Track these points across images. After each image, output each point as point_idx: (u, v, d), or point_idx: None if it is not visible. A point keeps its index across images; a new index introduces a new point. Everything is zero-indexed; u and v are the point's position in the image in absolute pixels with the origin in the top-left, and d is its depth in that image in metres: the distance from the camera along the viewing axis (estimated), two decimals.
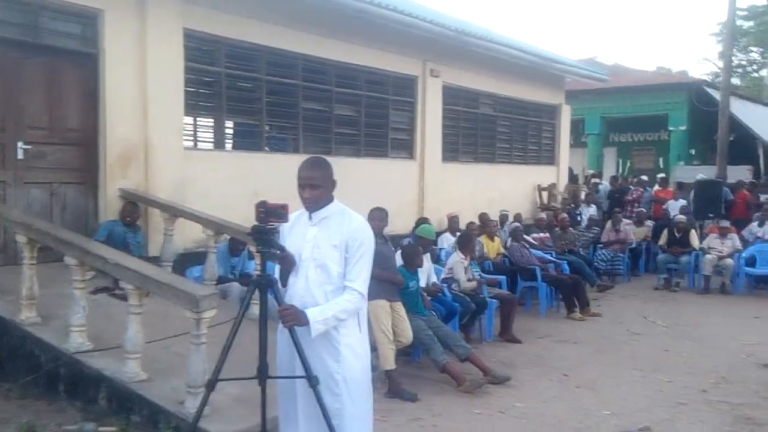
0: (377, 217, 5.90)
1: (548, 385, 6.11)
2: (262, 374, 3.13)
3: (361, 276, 3.18)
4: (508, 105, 13.08)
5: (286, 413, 3.25)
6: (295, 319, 3.02)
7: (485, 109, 12.55)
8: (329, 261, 3.16)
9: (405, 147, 10.81)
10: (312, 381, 3.00)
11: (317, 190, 3.19)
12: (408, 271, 6.32)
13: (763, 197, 14.21)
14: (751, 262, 11.32)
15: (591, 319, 9.03)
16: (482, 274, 8.09)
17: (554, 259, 10.08)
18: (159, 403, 4.27)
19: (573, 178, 15.95)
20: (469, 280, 7.62)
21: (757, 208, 13.39)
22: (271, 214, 3.10)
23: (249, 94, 8.43)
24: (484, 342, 7.59)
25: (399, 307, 5.84)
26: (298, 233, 3.26)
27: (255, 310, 3.58)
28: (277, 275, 3.27)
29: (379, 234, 5.87)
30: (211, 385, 3.16)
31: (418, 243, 7.38)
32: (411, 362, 6.61)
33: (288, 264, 3.19)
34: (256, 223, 3.11)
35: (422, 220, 9.17)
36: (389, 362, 5.63)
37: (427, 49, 10.62)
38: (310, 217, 3.24)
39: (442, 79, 11.08)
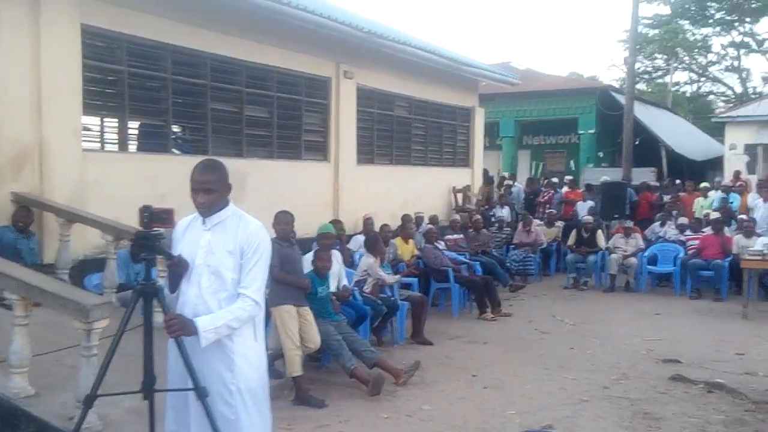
0: (283, 221, 5.79)
1: (457, 386, 6.15)
2: (148, 387, 2.99)
3: (256, 283, 3.08)
4: (423, 107, 13.19)
5: (177, 427, 3.12)
6: (182, 328, 2.90)
7: (400, 111, 12.61)
8: (223, 267, 3.06)
9: (319, 149, 10.73)
10: (200, 393, 2.88)
11: (211, 194, 3.09)
12: (318, 275, 6.23)
13: (665, 198, 14.86)
14: (654, 260, 11.81)
15: (502, 319, 9.18)
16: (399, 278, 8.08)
17: (467, 261, 10.21)
18: (46, 419, 4.03)
19: (489, 180, 16.25)
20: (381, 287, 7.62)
21: (659, 209, 13.99)
22: (155, 218, 2.97)
23: (154, 93, 8.15)
24: (395, 345, 7.60)
25: (306, 311, 5.76)
26: (191, 238, 3.15)
27: (159, 318, 3.42)
28: (166, 282, 3.14)
29: (285, 238, 5.79)
30: (89, 401, 2.99)
31: (320, 242, 7.32)
32: (321, 367, 6.54)
33: (180, 270, 3.07)
34: (140, 228, 2.96)
35: (335, 222, 9.08)
36: (296, 368, 5.54)
37: (341, 50, 10.58)
38: (204, 222, 3.13)
39: (356, 80, 11.06)
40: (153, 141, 8.29)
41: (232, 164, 9.02)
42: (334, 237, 7.90)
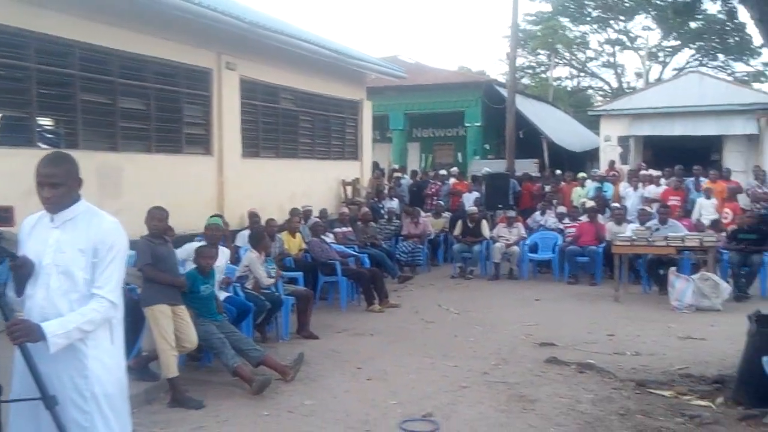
0: (156, 217, 5.56)
1: (341, 379, 6.13)
2: None
3: (111, 282, 2.91)
4: (310, 100, 13.07)
5: None
6: (27, 334, 2.70)
7: (286, 104, 12.43)
8: (74, 267, 2.87)
9: (201, 142, 10.40)
10: (48, 402, 2.70)
11: (58, 188, 2.89)
12: (200, 273, 6.05)
13: (546, 188, 15.46)
14: (535, 248, 12.27)
15: (390, 311, 9.27)
16: (280, 272, 7.96)
17: (355, 253, 10.23)
18: None
19: (380, 172, 16.37)
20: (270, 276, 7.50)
21: (541, 199, 14.55)
22: None
23: (16, 84, 7.61)
24: (280, 341, 7.51)
25: (182, 310, 5.56)
26: (38, 237, 2.94)
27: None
28: (11, 285, 2.91)
29: (158, 235, 5.57)
30: None
31: (206, 236, 7.13)
32: (201, 367, 6.36)
33: (25, 271, 2.86)
34: None
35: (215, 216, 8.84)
36: (171, 370, 5.34)
37: (222, 41, 10.29)
38: (52, 219, 2.93)
39: (239, 72, 10.79)
40: (15, 134, 7.74)
41: (106, 158, 8.74)
42: (221, 231, 7.73)
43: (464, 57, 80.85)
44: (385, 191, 14.54)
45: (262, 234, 7.96)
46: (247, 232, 9.78)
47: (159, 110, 9.47)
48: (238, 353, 5.83)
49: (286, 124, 12.38)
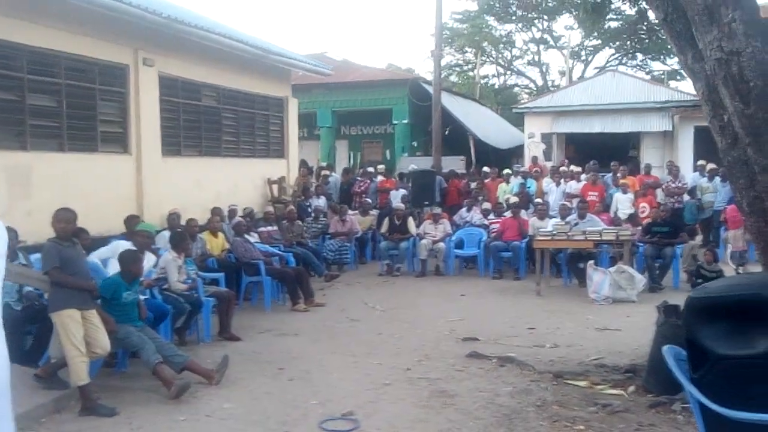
0: (63, 219, 5.32)
1: (262, 381, 6.04)
2: None
3: None
4: (233, 97, 12.83)
5: None
6: None
7: (208, 101, 12.16)
8: None
9: (118, 141, 10.05)
10: None
11: None
12: (125, 280, 5.86)
13: (472, 185, 15.66)
14: (461, 244, 12.42)
15: (315, 310, 9.19)
16: (199, 273, 7.79)
17: (280, 252, 10.11)
18: None
19: (308, 170, 16.25)
20: (185, 281, 7.31)
21: (467, 195, 14.74)
22: None
23: None
24: (201, 343, 7.34)
25: (92, 315, 5.34)
26: None
27: None
28: None
29: (66, 237, 5.35)
30: None
31: (136, 243, 6.93)
32: (116, 373, 6.15)
33: None
34: None
35: (132, 218, 8.59)
36: (82, 377, 5.13)
37: (139, 36, 9.98)
38: None
39: (157, 68, 10.48)
40: None
41: (14, 158, 8.32)
42: (152, 237, 7.51)
43: (393, 55, 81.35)
44: (312, 189, 14.43)
45: (183, 235, 7.77)
46: (167, 233, 9.55)
47: (72, 107, 9.10)
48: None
49: (208, 122, 12.12)
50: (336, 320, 8.59)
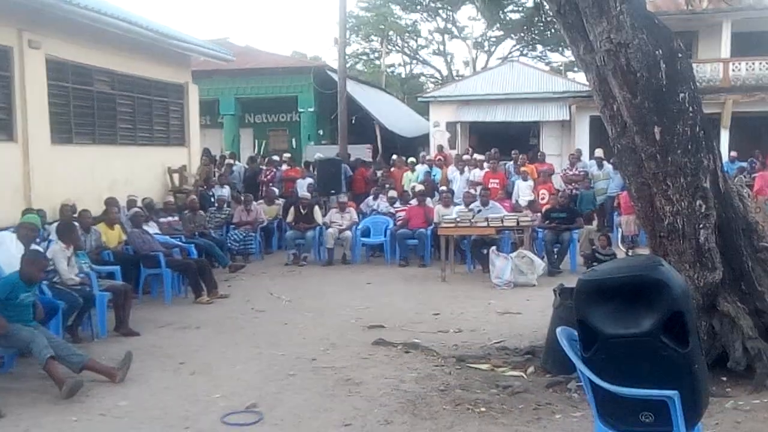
0: None
1: (161, 376, 5.84)
2: None
3: None
4: (129, 83, 12.31)
5: None
6: None
7: (102, 86, 11.60)
8: None
9: (3, 128, 9.44)
10: None
11: None
12: (23, 280, 5.54)
13: (378, 173, 15.72)
14: (367, 232, 12.44)
15: (219, 301, 8.97)
16: (93, 266, 7.44)
17: (181, 244, 9.81)
18: None
19: (212, 159, 15.87)
20: (77, 275, 6.97)
21: (374, 184, 14.77)
22: None
23: None
24: (96, 339, 7.02)
25: None
26: None
27: None
28: None
29: None
30: None
31: (20, 236, 6.54)
32: (1, 374, 5.79)
33: None
34: None
35: (28, 211, 8.14)
36: None
37: (24, 17, 9.40)
38: None
39: (44, 51, 9.88)
40: None
41: None
42: (37, 230, 7.09)
43: (298, 42, 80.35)
44: (215, 178, 14.10)
45: (70, 225, 7.39)
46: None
47: None
48: (59, 361, 5.38)
49: (102, 108, 11.56)
50: (240, 312, 8.43)
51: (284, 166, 15.69)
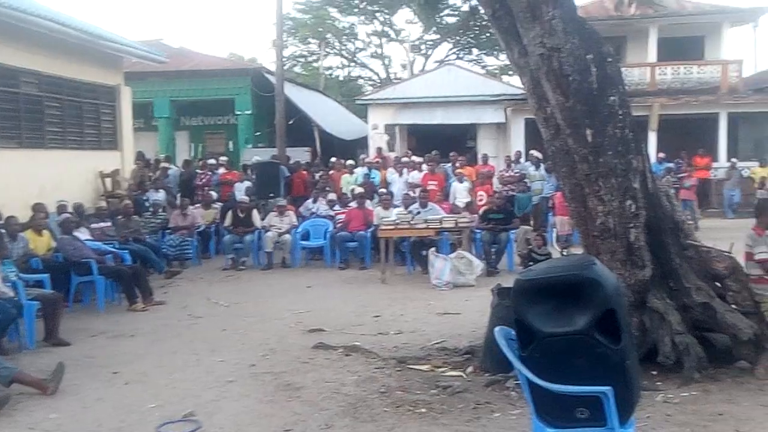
0: None
1: (94, 387, 5.65)
2: None
3: None
4: (58, 85, 11.91)
5: None
6: None
7: (28, 88, 11.18)
8: None
9: None
10: None
11: None
12: None
13: (317, 176, 15.66)
14: (307, 236, 12.37)
15: (154, 308, 8.77)
16: (20, 275, 7.15)
17: (114, 250, 9.54)
18: None
19: (146, 163, 15.51)
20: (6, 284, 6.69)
21: (313, 186, 14.72)
22: None
23: None
24: (24, 351, 6.75)
25: None
26: None
27: None
28: None
29: None
30: None
31: None
32: None
33: None
34: None
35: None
36: None
37: None
38: None
39: None
40: None
41: None
42: None
43: (235, 44, 79.38)
44: (150, 182, 13.77)
45: None
46: None
47: None
48: None
49: (29, 111, 11.15)
50: (177, 318, 8.25)
51: (221, 170, 15.46)
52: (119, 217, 11.03)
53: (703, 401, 4.86)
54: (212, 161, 15.83)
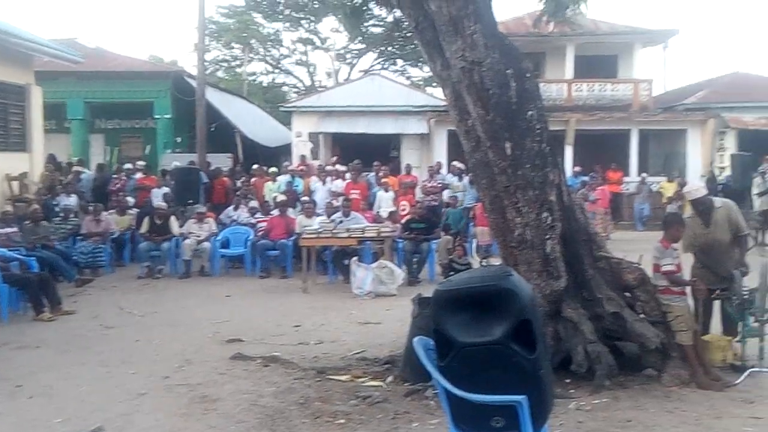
0: None
1: None
2: None
3: None
4: None
5: None
6: None
7: None
8: None
9: None
10: None
11: None
12: None
13: (239, 183, 15.41)
14: (227, 243, 12.13)
15: (63, 318, 8.41)
16: None
17: (20, 257, 9.09)
18: None
19: (57, 166, 14.87)
20: None
21: (234, 193, 14.46)
22: None
23: None
24: None
25: None
26: None
27: None
28: None
29: None
30: None
31: None
32: None
33: None
34: None
35: None
36: None
37: None
38: None
39: None
40: None
41: None
42: None
43: (156, 46, 77.28)
44: (61, 186, 13.21)
45: None
46: None
47: None
48: None
49: None
50: (87, 329, 7.93)
51: (138, 175, 14.99)
52: (26, 222, 10.55)
53: (613, 408, 5.02)
54: (129, 166, 15.32)
